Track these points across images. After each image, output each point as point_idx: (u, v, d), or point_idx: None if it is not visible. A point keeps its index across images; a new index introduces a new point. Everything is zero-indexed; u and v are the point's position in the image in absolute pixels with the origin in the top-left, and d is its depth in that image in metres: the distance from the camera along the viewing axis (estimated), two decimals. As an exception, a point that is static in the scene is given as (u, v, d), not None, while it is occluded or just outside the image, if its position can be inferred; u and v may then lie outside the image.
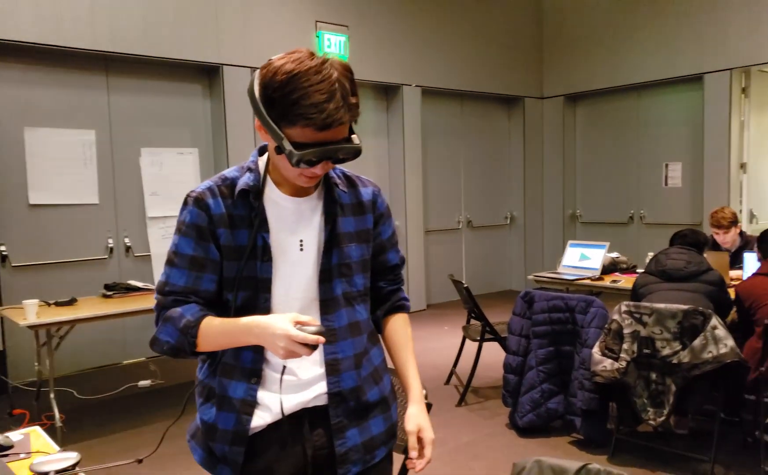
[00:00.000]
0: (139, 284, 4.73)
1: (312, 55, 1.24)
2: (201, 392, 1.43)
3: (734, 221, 4.27)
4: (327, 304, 1.39)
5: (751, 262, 3.74)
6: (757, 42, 6.42)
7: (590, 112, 8.40)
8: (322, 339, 1.22)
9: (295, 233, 1.38)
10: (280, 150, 1.25)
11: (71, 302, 4.23)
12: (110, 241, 5.55)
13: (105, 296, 4.47)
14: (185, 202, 1.36)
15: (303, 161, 1.23)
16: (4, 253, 5.04)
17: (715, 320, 2.96)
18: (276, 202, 1.37)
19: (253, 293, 1.35)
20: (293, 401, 1.37)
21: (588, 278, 4.56)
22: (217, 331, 1.32)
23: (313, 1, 6.48)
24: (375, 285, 1.54)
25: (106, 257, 5.54)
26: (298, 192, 1.39)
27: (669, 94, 7.46)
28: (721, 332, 2.95)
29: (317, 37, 6.51)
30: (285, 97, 1.20)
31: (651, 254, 4.63)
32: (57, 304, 4.17)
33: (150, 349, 1.41)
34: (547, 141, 8.67)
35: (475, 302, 4.45)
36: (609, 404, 3.56)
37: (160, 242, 5.75)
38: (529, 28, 8.46)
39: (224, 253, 1.34)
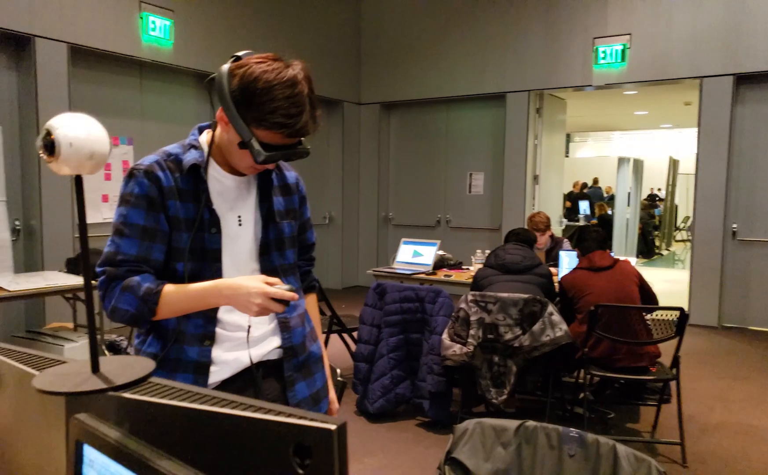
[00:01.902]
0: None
1: (287, 65, 1.34)
2: None
3: (548, 225, 4.83)
4: (268, 274, 1.48)
5: (566, 259, 4.27)
6: (549, 68, 7.33)
7: (404, 120, 8.88)
8: (295, 295, 1.31)
9: (234, 209, 1.47)
10: (244, 145, 1.34)
11: None
12: None
13: None
14: (131, 175, 1.39)
15: (267, 160, 1.34)
16: None
17: (551, 308, 3.35)
18: (218, 179, 1.46)
19: (201, 264, 1.42)
20: (247, 357, 1.47)
21: (422, 273, 4.85)
22: (182, 296, 1.36)
23: (139, -21, 6.00)
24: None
25: None
26: (236, 171, 1.48)
27: (475, 109, 8.18)
28: (556, 317, 3.34)
29: (141, 18, 6.03)
30: (263, 105, 1.30)
31: (480, 252, 5.09)
32: None
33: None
34: (364, 146, 8.99)
35: (325, 294, 4.47)
36: (453, 387, 3.83)
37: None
38: (348, 34, 8.70)
39: (173, 224, 1.40)
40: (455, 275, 4.83)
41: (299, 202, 1.63)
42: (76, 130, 0.96)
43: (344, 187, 8.84)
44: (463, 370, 3.59)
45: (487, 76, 7.75)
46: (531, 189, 7.70)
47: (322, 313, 4.66)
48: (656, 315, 3.42)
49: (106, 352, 3.94)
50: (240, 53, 1.37)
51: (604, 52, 6.91)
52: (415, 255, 5.13)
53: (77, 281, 3.93)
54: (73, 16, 5.43)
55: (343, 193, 8.84)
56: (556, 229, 8.16)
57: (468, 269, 5.11)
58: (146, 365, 1.06)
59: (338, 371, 1.87)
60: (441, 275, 4.87)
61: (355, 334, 4.33)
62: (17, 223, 5.31)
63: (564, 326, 3.34)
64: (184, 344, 1.42)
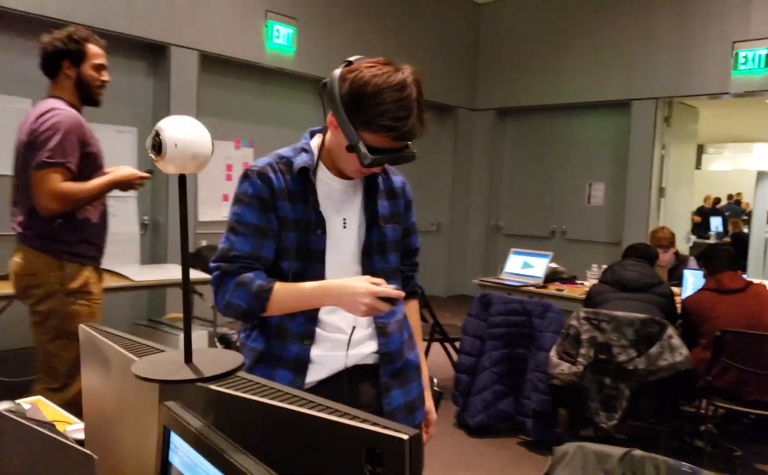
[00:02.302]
0: (74, 265, 4.38)
1: (396, 69, 1.37)
2: (250, 355, 1.51)
3: (672, 242, 4.51)
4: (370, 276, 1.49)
5: (691, 279, 3.97)
6: (680, 75, 6.86)
7: (520, 127, 8.68)
8: (402, 293, 1.34)
9: (339, 212, 1.50)
10: (351, 149, 1.36)
11: (6, 277, 3.85)
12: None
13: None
14: (246, 176, 1.46)
15: (374, 164, 1.36)
16: None
17: (670, 330, 3.12)
18: (326, 182, 1.50)
19: (306, 263, 1.46)
20: (345, 359, 1.49)
21: (532, 286, 4.69)
22: (291, 295, 1.41)
23: (265, -11, 6.30)
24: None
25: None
26: (343, 175, 1.51)
27: (596, 117, 7.83)
28: (676, 341, 3.10)
29: (266, 26, 6.32)
30: (372, 108, 1.33)
31: (595, 267, 4.86)
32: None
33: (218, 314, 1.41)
34: (477, 152, 8.87)
35: (428, 301, 4.46)
36: (558, 407, 3.66)
37: (92, 222, 5.37)
38: (465, 41, 8.63)
39: (282, 224, 1.46)
40: (567, 290, 4.63)
41: (404, 207, 1.64)
42: (182, 132, 1.02)
43: (454, 194, 8.77)
44: (570, 390, 3.42)
45: (611, 83, 7.39)
46: (656, 202, 7.25)
47: (424, 320, 4.63)
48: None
49: (218, 344, 4.15)
50: (352, 58, 1.40)
51: (745, 57, 6.35)
52: (524, 267, 4.97)
53: (195, 274, 4.17)
54: (204, 26, 5.80)
55: (453, 200, 8.77)
56: (683, 247, 7.63)
57: (582, 284, 4.88)
58: (235, 359, 1.09)
59: (435, 380, 1.83)
60: (552, 288, 4.69)
61: (457, 344, 4.26)
62: (145, 218, 5.74)
63: (684, 351, 3.09)
64: (286, 341, 1.47)
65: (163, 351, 1.16)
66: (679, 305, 3.61)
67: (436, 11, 8.15)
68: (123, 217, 5.58)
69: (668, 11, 6.92)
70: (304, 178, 1.46)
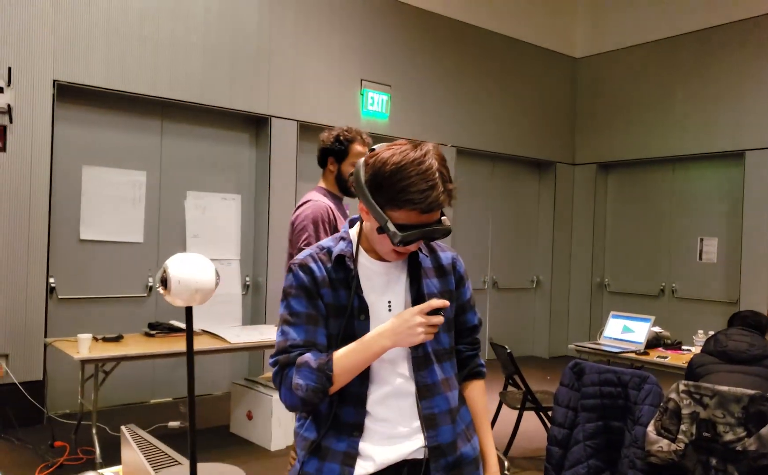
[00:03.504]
0: (181, 325, 4.68)
1: (415, 146, 1.38)
2: (303, 446, 1.50)
3: None
4: (419, 361, 1.48)
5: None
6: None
7: (622, 181, 8.36)
8: (446, 302, 1.39)
9: (384, 295, 1.50)
10: (382, 230, 1.38)
11: (118, 338, 4.19)
12: (150, 279, 5.53)
13: (148, 335, 4.42)
14: (290, 270, 1.50)
15: (403, 242, 1.36)
16: (52, 285, 5.02)
17: (783, 409, 2.83)
18: (366, 266, 1.50)
19: None
20: (394, 453, 1.45)
21: (632, 352, 4.44)
22: (350, 353, 1.41)
23: (359, 60, 6.58)
24: (456, 348, 1.62)
25: (145, 295, 5.51)
26: (384, 258, 1.50)
27: (706, 169, 7.42)
28: (790, 421, 2.81)
29: (361, 94, 6.58)
30: (394, 185, 1.34)
31: (701, 333, 4.54)
32: (105, 339, 4.13)
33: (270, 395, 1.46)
34: (577, 207, 8.62)
35: (518, 367, 4.33)
36: (660, 486, 3.40)
37: (199, 284, 5.72)
38: (563, 94, 8.52)
39: (328, 311, 1.47)
40: (671, 357, 4.34)
41: (456, 283, 1.60)
42: (184, 270, 1.16)
43: (554, 250, 8.53)
44: (671, 470, 3.16)
45: (720, 133, 6.99)
46: (777, 257, 6.67)
47: (516, 386, 4.50)
48: None
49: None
50: (375, 146, 1.44)
51: None
52: (624, 331, 4.72)
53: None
54: (302, 97, 6.14)
55: (554, 256, 8.53)
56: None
57: (689, 350, 4.55)
58: None
59: (506, 464, 1.76)
60: (654, 355, 4.41)
61: (550, 413, 4.08)
62: (247, 279, 6.04)
63: (801, 434, 2.78)
64: (337, 432, 1.46)
65: (179, 465, 1.30)
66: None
67: (532, 67, 8.14)
68: (226, 279, 5.91)
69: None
70: (344, 266, 1.48)
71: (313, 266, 1.47)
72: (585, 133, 8.50)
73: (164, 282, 1.15)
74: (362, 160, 1.42)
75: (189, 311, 1.20)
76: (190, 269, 1.17)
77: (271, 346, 4.45)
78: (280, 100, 6.00)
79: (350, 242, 1.51)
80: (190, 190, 5.73)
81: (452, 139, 7.34)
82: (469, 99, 7.51)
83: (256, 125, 6.10)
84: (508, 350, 4.37)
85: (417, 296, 1.50)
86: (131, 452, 1.32)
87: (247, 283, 6.03)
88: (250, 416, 4.59)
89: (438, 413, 1.47)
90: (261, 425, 4.49)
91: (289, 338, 1.44)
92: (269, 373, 5.16)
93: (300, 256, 1.50)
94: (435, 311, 1.39)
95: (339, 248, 1.49)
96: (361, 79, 6.58)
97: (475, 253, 7.99)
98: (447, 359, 1.54)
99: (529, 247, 8.57)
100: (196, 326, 4.93)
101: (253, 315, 6.00)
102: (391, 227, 1.35)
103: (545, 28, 8.28)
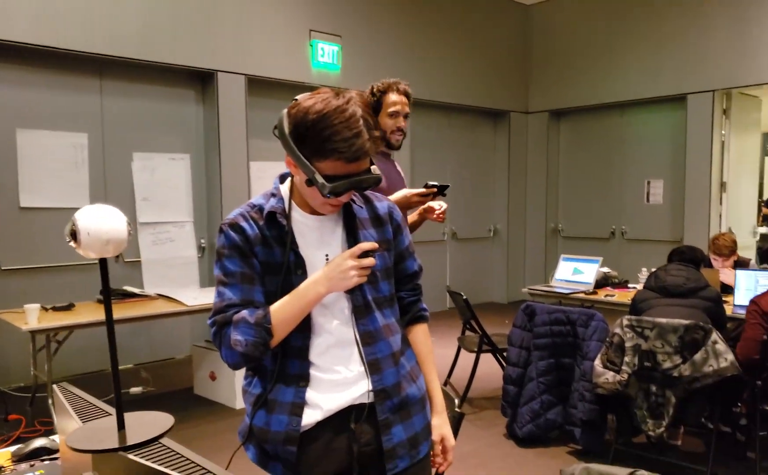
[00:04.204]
0: (136, 290, 4.72)
1: (337, 93, 1.39)
2: (251, 401, 1.55)
3: (734, 249, 4.39)
4: (359, 310, 1.51)
5: (744, 280, 3.89)
6: (738, 65, 6.68)
7: (574, 128, 8.60)
8: (375, 244, 1.44)
9: (320, 249, 1.51)
10: (311, 183, 1.38)
11: (69, 307, 4.20)
12: (100, 246, 5.49)
13: (101, 302, 4.44)
14: (220, 230, 1.50)
15: (333, 192, 1.37)
16: (-6, 256, 4.96)
17: (715, 335, 3.10)
18: (300, 221, 1.51)
19: None
20: (340, 399, 1.49)
21: (582, 292, 4.70)
22: (286, 305, 1.44)
23: (307, 10, 6.54)
24: (396, 295, 1.65)
25: (95, 262, 5.47)
26: (319, 211, 1.52)
27: (652, 113, 7.69)
28: (721, 346, 3.08)
29: (311, 46, 6.57)
30: (317, 135, 1.34)
31: (645, 270, 4.82)
32: (55, 309, 4.14)
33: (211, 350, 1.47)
34: (531, 155, 8.85)
35: (474, 313, 4.55)
36: (607, 415, 3.68)
37: (151, 247, 5.73)
38: (516, 44, 8.65)
39: (263, 268, 1.48)
40: (618, 295, 4.62)
41: (394, 232, 1.62)
42: (93, 221, 1.16)
43: (510, 199, 8.78)
44: (616, 399, 3.44)
45: (665, 77, 7.26)
46: (717, 197, 7.05)
47: (473, 331, 4.73)
48: None
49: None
50: (297, 96, 1.43)
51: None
52: (575, 273, 4.98)
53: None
54: (249, 51, 6.09)
55: (510, 205, 8.78)
56: (749, 241, 7.38)
57: (634, 287, 4.84)
58: (164, 424, 1.21)
59: (456, 401, 1.87)
60: (602, 294, 4.68)
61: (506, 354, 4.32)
62: (203, 241, 6.06)
63: (730, 356, 3.06)
64: (283, 384, 1.49)
65: (108, 416, 1.35)
66: (730, 309, 3.57)
67: (483, 17, 8.21)
68: (180, 241, 5.93)
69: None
70: (277, 223, 1.48)
71: (244, 224, 1.47)
72: (537, 82, 8.67)
73: (74, 235, 1.16)
74: (284, 111, 1.42)
75: (103, 263, 1.21)
76: (99, 220, 1.16)
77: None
78: (226, 54, 5.95)
79: (281, 198, 1.51)
80: (137, 152, 5.67)
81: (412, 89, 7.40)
82: (423, 49, 7.56)
83: (202, 81, 6.04)
84: (464, 297, 4.57)
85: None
86: (62, 409, 1.37)
87: (203, 245, 6.06)
88: (213, 377, 4.70)
89: (381, 357, 1.51)
90: (224, 384, 4.61)
91: (225, 298, 1.45)
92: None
93: (230, 215, 1.50)
94: (366, 254, 1.42)
95: (270, 204, 1.49)
96: (311, 30, 6.56)
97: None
98: (388, 306, 1.57)
99: (486, 197, 8.79)
100: (153, 290, 4.98)
101: (210, 277, 6.04)
102: (319, 179, 1.36)
103: (494, -27, 8.35)
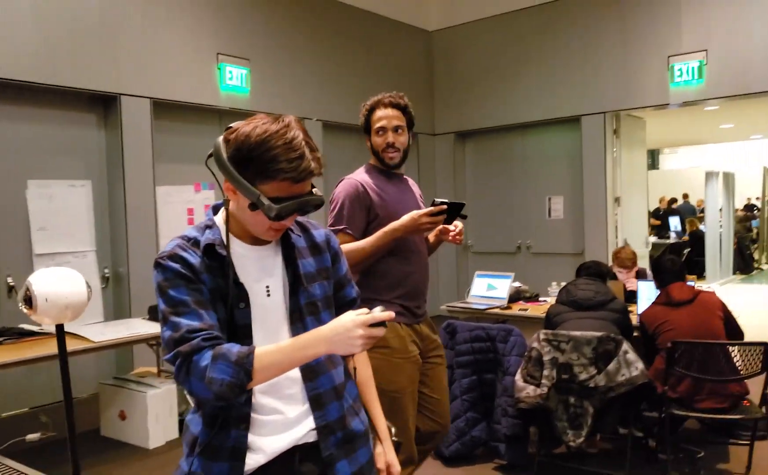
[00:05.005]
0: (34, 328, 4.35)
1: (275, 119, 1.38)
2: (188, 441, 1.46)
3: (635, 261, 4.66)
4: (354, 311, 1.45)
5: (645, 290, 4.13)
6: (625, 89, 7.16)
7: (479, 148, 8.87)
8: (392, 314, 1.35)
9: (260, 280, 1.47)
10: (255, 207, 1.35)
11: None
12: (-7, 282, 5.06)
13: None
14: (157, 265, 1.41)
15: (280, 214, 1.34)
16: None
17: (626, 346, 3.25)
18: (239, 252, 1.46)
19: (233, 341, 1.39)
20: (284, 441, 1.44)
21: (497, 307, 4.80)
22: (278, 353, 1.34)
23: (215, 32, 6.37)
24: None
25: (-15, 297, 5.03)
26: (257, 242, 1.48)
27: (550, 133, 8.07)
28: (631, 355, 3.24)
29: (218, 68, 6.40)
30: (261, 157, 1.33)
31: (555, 284, 5.00)
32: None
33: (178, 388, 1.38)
34: (440, 175, 9.03)
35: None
36: (530, 428, 3.76)
37: (51, 281, 5.32)
38: (421, 68, 8.83)
39: (213, 296, 1.41)
40: (531, 309, 4.76)
41: (332, 260, 1.61)
42: (51, 286, 1.06)
43: (419, 217, 8.89)
44: (538, 412, 3.53)
45: (562, 100, 7.64)
46: (612, 210, 7.48)
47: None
48: (742, 350, 3.25)
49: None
50: (232, 124, 1.43)
51: (680, 69, 6.68)
52: (489, 289, 5.08)
53: (158, 328, 4.21)
54: (155, 73, 5.84)
55: (419, 223, 8.89)
56: (642, 251, 7.87)
57: (545, 301, 5.01)
58: None
59: (393, 430, 1.86)
60: (516, 308, 4.81)
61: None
62: (106, 271, 5.71)
63: (640, 365, 3.23)
64: (224, 428, 1.41)
65: None
66: (636, 320, 3.76)
67: (389, 42, 8.31)
68: (82, 272, 5.54)
69: (610, 29, 7.22)
70: (215, 254, 1.42)
71: (184, 254, 1.40)
72: (443, 104, 8.88)
73: (28, 301, 1.06)
74: (220, 138, 1.40)
75: (60, 329, 1.12)
76: (57, 284, 1.08)
77: (141, 340, 4.29)
78: (130, 77, 5.67)
79: (217, 228, 1.46)
80: (32, 179, 5.27)
81: (317, 113, 7.37)
82: (331, 72, 7.55)
83: (104, 105, 5.72)
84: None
85: (294, 278, 1.49)
86: None
87: (107, 275, 5.71)
88: (123, 416, 4.41)
89: (323, 392, 1.48)
90: (136, 424, 4.34)
91: (182, 326, 1.33)
92: (142, 368, 4.96)
93: (166, 248, 1.43)
94: (379, 323, 1.34)
95: (206, 237, 1.43)
96: (218, 53, 6.39)
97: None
98: None
99: (395, 215, 8.85)
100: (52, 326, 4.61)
101: (116, 309, 5.70)
102: (265, 201, 1.33)
103: (400, 1, 8.50)
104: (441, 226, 2.58)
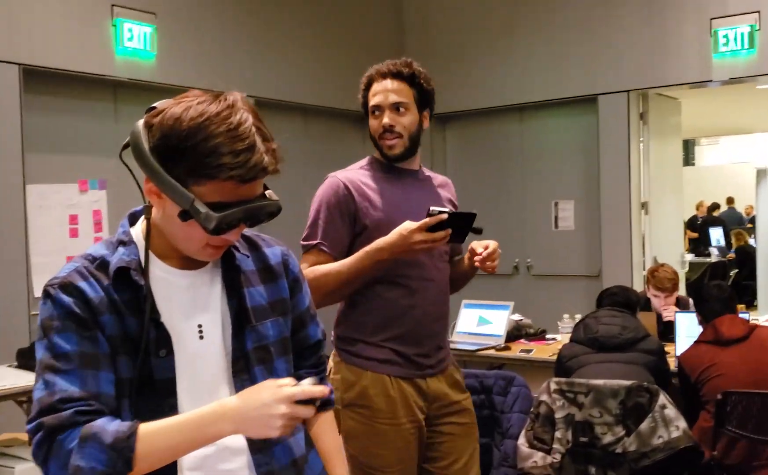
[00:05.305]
0: None
1: (215, 97, 1.36)
2: None
3: (677, 283, 4.72)
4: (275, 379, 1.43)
5: (684, 324, 4.18)
6: (656, 62, 7.24)
7: (463, 135, 8.91)
8: (326, 389, 1.40)
9: (192, 316, 1.46)
10: (187, 215, 1.32)
11: None
12: None
13: None
14: (46, 295, 1.39)
15: (222, 226, 1.31)
16: None
17: (663, 398, 3.29)
18: (163, 279, 1.45)
19: (150, 400, 1.38)
20: None
21: (492, 347, 4.80)
22: (168, 434, 1.32)
23: (109, -22, 6.28)
24: (295, 373, 1.60)
25: None
26: (189, 264, 1.46)
27: (557, 118, 8.16)
28: (671, 411, 3.28)
29: (113, 26, 6.28)
30: (196, 148, 1.30)
31: (566, 317, 5.05)
32: None
33: None
34: (411, 170, 9.04)
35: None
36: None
37: None
38: (389, 37, 8.87)
39: (113, 346, 1.38)
40: (537, 350, 4.78)
41: (291, 289, 1.60)
42: None
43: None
44: (548, 486, 3.53)
45: (573, 76, 7.71)
46: (638, 219, 7.59)
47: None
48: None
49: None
50: (156, 103, 1.40)
51: (726, 36, 6.80)
52: (481, 322, 5.09)
53: (30, 379, 4.07)
54: (26, 31, 5.71)
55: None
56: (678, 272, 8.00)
57: (554, 339, 5.04)
58: None
59: None
60: (517, 349, 4.82)
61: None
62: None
63: (682, 423, 3.27)
64: None
65: None
66: (673, 361, 3.81)
67: (351, 5, 8.35)
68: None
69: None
70: (129, 282, 1.40)
71: (82, 284, 1.38)
72: (416, 79, 8.90)
73: None
74: (140, 123, 1.38)
75: None
76: None
77: (6, 396, 4.16)
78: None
79: (134, 246, 1.44)
80: None
81: (250, 88, 7.29)
82: (270, 38, 7.51)
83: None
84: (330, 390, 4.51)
85: (239, 313, 1.48)
86: None
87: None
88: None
89: (279, 468, 1.48)
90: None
91: (56, 390, 1.31)
92: (7, 434, 4.81)
93: (60, 273, 1.41)
94: (310, 401, 1.34)
95: (118, 257, 1.41)
96: (113, 5, 6.28)
97: (290, 239, 8.02)
98: None
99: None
100: None
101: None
102: (202, 208, 1.30)
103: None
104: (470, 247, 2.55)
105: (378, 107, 2.59)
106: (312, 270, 2.48)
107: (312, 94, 7.97)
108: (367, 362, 2.52)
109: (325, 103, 8.14)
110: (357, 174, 2.61)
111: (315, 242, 2.52)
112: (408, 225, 2.33)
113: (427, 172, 2.82)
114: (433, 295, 2.61)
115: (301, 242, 2.59)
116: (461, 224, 2.40)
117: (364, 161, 2.71)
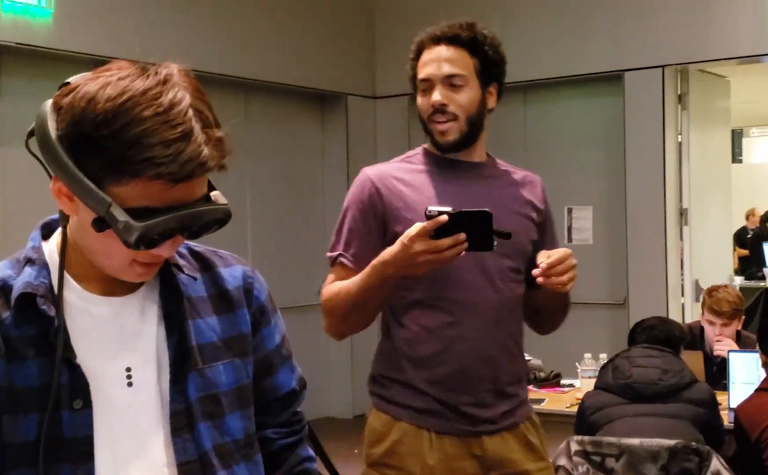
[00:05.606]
0: None
1: (143, 70, 1.29)
2: None
3: (740, 308, 4.74)
4: (189, 470, 1.42)
5: (740, 367, 4.29)
6: (697, 31, 7.35)
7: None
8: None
9: (117, 357, 1.41)
10: (103, 223, 1.26)
11: None
12: None
13: None
14: None
15: (147, 239, 1.25)
16: None
17: (716, 462, 3.35)
18: (80, 308, 1.40)
19: (60, 466, 1.35)
20: None
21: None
22: None
23: None
24: (261, 435, 1.60)
25: None
26: (115, 288, 1.41)
27: (572, 100, 8.30)
28: (726, 477, 3.38)
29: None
30: (116, 137, 1.23)
31: (588, 357, 5.11)
32: None
33: None
34: (382, 159, 9.04)
35: (317, 440, 4.57)
36: None
37: None
38: (356, 3, 9.03)
39: (7, 400, 1.34)
40: (550, 399, 4.83)
41: (254, 322, 1.57)
42: None
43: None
44: None
45: (593, 47, 7.80)
46: (675, 231, 7.67)
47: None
48: None
49: None
50: (73, 78, 1.34)
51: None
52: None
53: None
54: None
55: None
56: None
57: (572, 385, 5.11)
58: None
59: None
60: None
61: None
62: None
63: (741, 494, 3.37)
64: None
65: None
66: (726, 416, 3.92)
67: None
68: None
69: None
70: (36, 312, 1.35)
71: None
72: (390, 56, 8.91)
73: None
74: (48, 103, 1.32)
75: None
76: None
77: None
78: None
79: (45, 266, 1.40)
80: None
81: (175, 57, 7.32)
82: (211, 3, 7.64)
83: None
84: (308, 457, 4.58)
85: (180, 352, 1.43)
86: None
87: None
88: None
89: None
90: None
91: None
92: None
93: None
94: None
95: (24, 280, 1.37)
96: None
97: (228, 240, 8.03)
98: (244, 459, 1.51)
99: (312, 225, 8.89)
100: None
101: None
102: (120, 215, 1.24)
103: None
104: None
105: (427, 81, 2.57)
106: (326, 289, 2.51)
107: (255, 68, 8.04)
108: (402, 410, 2.49)
109: (272, 78, 8.20)
110: (392, 168, 2.62)
111: (336, 253, 2.52)
112: (409, 231, 2.24)
113: (504, 166, 2.79)
114: (487, 324, 2.51)
115: (326, 254, 2.61)
116: (476, 228, 2.22)
117: (412, 151, 2.71)
